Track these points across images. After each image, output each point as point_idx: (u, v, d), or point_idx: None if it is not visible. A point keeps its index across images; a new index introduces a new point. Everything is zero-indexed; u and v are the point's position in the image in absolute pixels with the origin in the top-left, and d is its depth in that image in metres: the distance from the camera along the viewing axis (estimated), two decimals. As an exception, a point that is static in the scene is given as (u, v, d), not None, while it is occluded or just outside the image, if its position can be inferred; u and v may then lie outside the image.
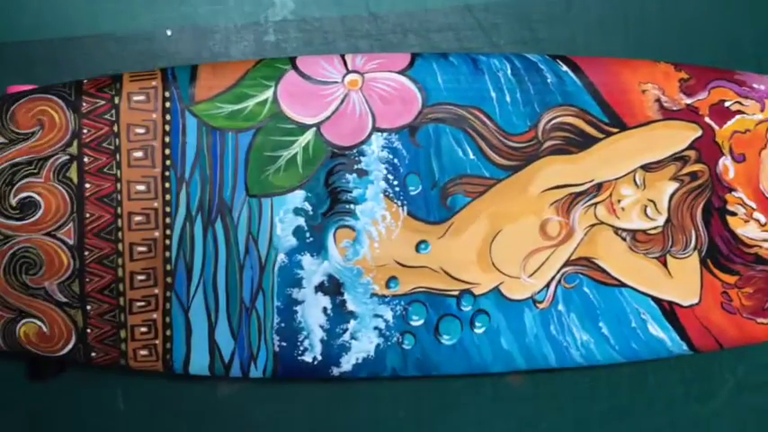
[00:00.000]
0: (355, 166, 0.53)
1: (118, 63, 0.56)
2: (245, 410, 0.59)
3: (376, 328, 0.54)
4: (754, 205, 0.56)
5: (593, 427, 0.62)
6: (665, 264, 0.56)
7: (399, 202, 0.54)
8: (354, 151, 0.53)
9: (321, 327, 0.53)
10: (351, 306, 0.53)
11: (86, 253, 0.50)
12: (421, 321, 0.54)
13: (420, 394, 0.61)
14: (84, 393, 0.57)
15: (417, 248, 0.54)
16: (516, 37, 0.60)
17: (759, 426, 0.63)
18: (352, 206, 0.53)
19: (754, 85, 0.56)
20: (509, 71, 0.54)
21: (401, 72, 0.53)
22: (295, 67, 0.52)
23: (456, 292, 0.54)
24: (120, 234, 0.51)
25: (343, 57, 0.53)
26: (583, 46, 0.60)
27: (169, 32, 0.57)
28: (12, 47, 0.55)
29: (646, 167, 0.55)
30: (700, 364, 0.62)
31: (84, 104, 0.50)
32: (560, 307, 0.55)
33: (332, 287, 0.53)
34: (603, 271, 0.56)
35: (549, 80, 0.55)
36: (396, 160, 0.53)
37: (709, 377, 0.62)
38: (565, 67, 0.55)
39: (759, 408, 0.63)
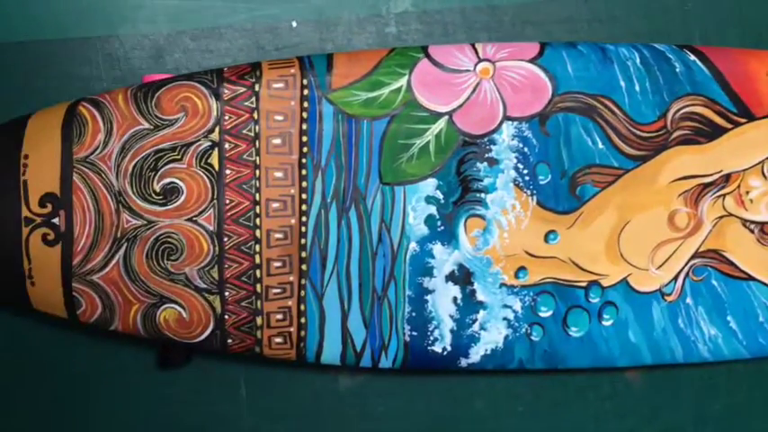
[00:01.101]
0: (486, 155, 0.53)
1: (245, 54, 0.56)
2: (365, 403, 0.59)
3: (505, 318, 0.53)
4: None
5: (711, 425, 0.61)
6: None
7: (529, 192, 0.53)
8: (485, 140, 0.53)
9: (451, 317, 0.53)
10: (480, 296, 0.53)
11: (225, 239, 0.50)
12: (549, 313, 0.54)
13: (538, 390, 0.60)
14: (208, 383, 0.57)
15: (546, 239, 0.53)
16: (633, 29, 0.60)
17: None
18: (482, 195, 0.53)
19: None
20: (638, 60, 0.54)
21: (531, 61, 0.53)
22: (428, 56, 0.52)
23: (584, 284, 0.54)
24: (258, 221, 0.51)
25: (473, 45, 0.53)
26: (699, 38, 0.60)
27: (294, 24, 0.57)
28: (143, 38, 0.56)
29: None
30: None
31: (226, 91, 0.50)
32: (688, 300, 0.54)
33: (462, 277, 0.53)
34: (732, 264, 0.55)
35: (677, 69, 0.54)
36: (526, 149, 0.53)
37: None
38: (693, 57, 0.54)
39: None
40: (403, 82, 0.52)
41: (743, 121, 0.54)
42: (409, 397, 0.59)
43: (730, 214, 0.55)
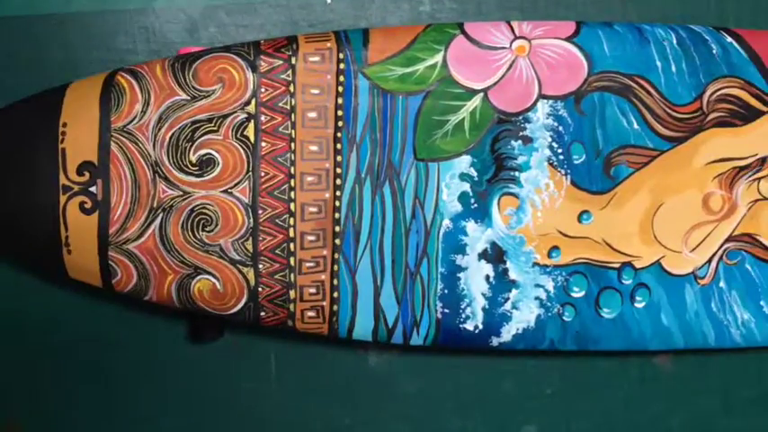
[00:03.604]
0: (521, 133, 0.52)
1: (280, 29, 0.56)
2: (394, 381, 0.59)
3: (537, 298, 0.53)
4: None
5: (740, 412, 0.60)
6: None
7: (563, 171, 0.53)
8: (520, 118, 0.52)
9: (483, 295, 0.53)
10: (513, 275, 0.53)
11: (260, 212, 0.50)
12: (582, 293, 0.53)
13: (566, 373, 0.60)
14: (238, 358, 0.58)
15: (580, 219, 0.53)
16: (667, 11, 0.59)
17: None
18: (516, 173, 0.53)
19: None
20: (675, 41, 0.53)
21: (567, 39, 0.52)
22: (464, 32, 0.52)
23: (617, 265, 0.53)
24: (292, 194, 0.51)
25: (509, 23, 0.52)
26: (733, 22, 0.59)
27: (329, 0, 0.57)
28: (178, 11, 0.56)
29: None
30: None
31: (263, 64, 0.50)
32: (722, 284, 0.54)
33: (495, 255, 0.52)
34: (766, 248, 0.54)
35: (714, 51, 0.53)
36: (561, 128, 0.53)
37: None
38: (729, 39, 0.54)
39: None
40: (438, 58, 0.51)
41: None
42: (437, 376, 0.59)
43: (766, 198, 0.54)
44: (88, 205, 0.49)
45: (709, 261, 0.54)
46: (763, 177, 0.54)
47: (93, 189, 0.49)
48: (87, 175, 0.49)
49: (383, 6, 0.58)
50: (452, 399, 0.59)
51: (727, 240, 0.54)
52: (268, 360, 0.57)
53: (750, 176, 0.54)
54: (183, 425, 0.58)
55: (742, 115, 0.54)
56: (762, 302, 0.54)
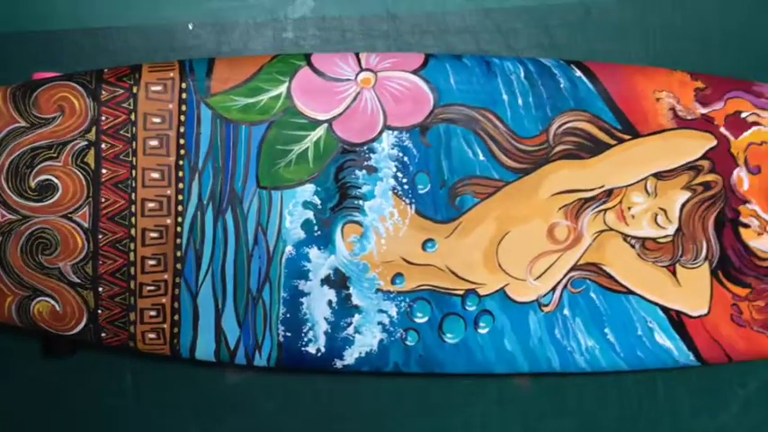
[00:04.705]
0: (365, 163, 0.54)
1: (141, 54, 0.57)
2: (252, 398, 0.60)
3: (380, 323, 0.55)
4: (768, 218, 0.56)
5: None
6: (674, 273, 0.56)
7: (408, 200, 0.55)
8: (365, 148, 0.54)
9: (326, 319, 0.54)
10: (356, 300, 0.54)
11: (100, 236, 0.52)
12: (425, 319, 0.55)
13: (426, 391, 0.61)
14: (94, 374, 0.59)
15: (424, 246, 0.55)
16: (534, 42, 0.61)
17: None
18: (360, 202, 0.54)
19: (773, 97, 0.56)
20: (522, 74, 0.55)
21: (414, 72, 0.54)
22: (309, 64, 0.53)
23: (461, 292, 0.55)
24: (133, 219, 0.52)
25: (357, 55, 0.54)
26: (601, 53, 0.61)
27: (191, 26, 0.58)
28: (39, 36, 0.58)
29: (658, 175, 0.56)
30: (709, 377, 0.61)
31: (104, 93, 0.52)
32: (566, 311, 0.56)
33: (338, 281, 0.54)
34: (611, 277, 0.56)
35: (561, 85, 0.55)
36: (405, 158, 0.54)
37: (719, 391, 0.62)
38: (579, 73, 0.55)
39: (768, 423, 0.63)
40: (283, 89, 0.53)
41: (627, 137, 0.55)
42: (295, 393, 0.60)
43: (611, 229, 0.56)
44: (-75, 229, 0.51)
45: (554, 289, 0.56)
46: (608, 209, 0.56)
47: (-70, 213, 0.51)
48: (-75, 200, 0.51)
49: (246, 32, 0.59)
50: (309, 416, 0.61)
51: (571, 269, 0.56)
52: (124, 377, 0.59)
53: (596, 208, 0.56)
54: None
55: (588, 148, 0.55)
56: (606, 329, 0.56)
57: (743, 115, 0.56)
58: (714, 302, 0.56)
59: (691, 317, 0.56)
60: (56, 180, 0.52)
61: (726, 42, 0.61)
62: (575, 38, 0.61)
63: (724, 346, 0.56)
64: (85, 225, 0.52)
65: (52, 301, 0.52)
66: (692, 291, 0.56)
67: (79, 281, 0.52)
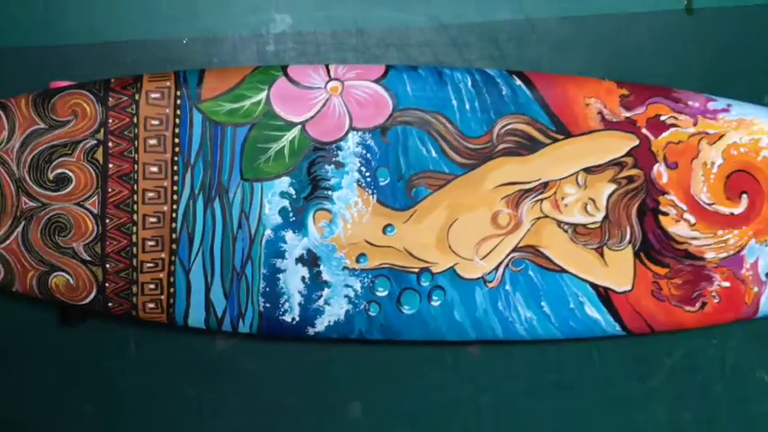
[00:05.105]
0: (333, 159, 0.61)
1: (142, 66, 0.65)
2: (237, 362, 0.67)
3: (346, 296, 0.62)
4: (684, 207, 0.62)
5: (543, 394, 0.68)
6: (602, 254, 0.62)
7: (370, 191, 0.62)
8: (333, 146, 0.61)
9: (299, 292, 0.61)
10: (325, 276, 0.62)
11: (107, 221, 0.60)
12: (385, 293, 0.61)
13: (390, 357, 0.67)
14: (102, 340, 0.66)
15: (384, 231, 0.62)
16: (486, 54, 0.67)
17: (691, 401, 0.68)
18: (329, 192, 0.62)
19: (689, 102, 0.62)
20: (470, 83, 0.61)
21: (376, 81, 0.61)
22: (286, 74, 0.61)
23: (416, 270, 0.61)
24: (135, 207, 0.60)
25: (327, 66, 0.61)
26: (546, 64, 0.67)
27: (185, 41, 0.67)
28: (55, 50, 0.65)
29: (587, 170, 0.62)
30: (639, 347, 0.67)
31: (111, 99, 0.60)
32: (507, 287, 0.62)
33: (310, 259, 0.61)
34: (547, 258, 0.62)
35: (504, 92, 0.61)
36: (368, 155, 0.61)
37: (648, 359, 0.68)
38: (519, 82, 0.61)
39: (691, 387, 0.68)
40: (263, 96, 0.61)
41: (560, 137, 0.61)
42: (275, 359, 0.67)
43: (547, 216, 0.62)
44: (-38, 214, 0.59)
45: (497, 268, 0.62)
46: (544, 199, 0.62)
47: (-35, 201, 0.59)
48: (-40, 189, 0.59)
49: (233, 46, 0.66)
50: (288, 378, 0.67)
51: (512, 251, 0.62)
52: (128, 342, 0.66)
53: (534, 198, 0.62)
54: (52, 395, 0.67)
55: (527, 146, 0.61)
56: (542, 303, 0.62)
57: (662, 118, 0.61)
58: (637, 280, 0.61)
59: (616, 292, 0.61)
60: (70, 173, 0.60)
61: (651, 55, 0.68)
62: (521, 50, 0.67)
63: (646, 317, 0.62)
64: (95, 211, 0.60)
65: (67, 276, 0.60)
66: (617, 270, 0.61)
67: (90, 258, 0.60)
